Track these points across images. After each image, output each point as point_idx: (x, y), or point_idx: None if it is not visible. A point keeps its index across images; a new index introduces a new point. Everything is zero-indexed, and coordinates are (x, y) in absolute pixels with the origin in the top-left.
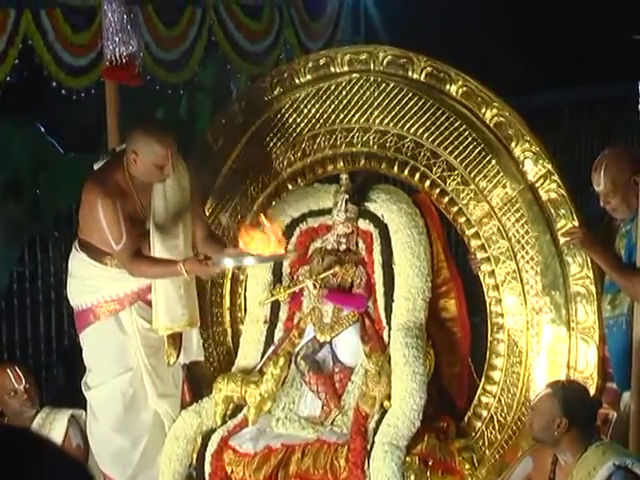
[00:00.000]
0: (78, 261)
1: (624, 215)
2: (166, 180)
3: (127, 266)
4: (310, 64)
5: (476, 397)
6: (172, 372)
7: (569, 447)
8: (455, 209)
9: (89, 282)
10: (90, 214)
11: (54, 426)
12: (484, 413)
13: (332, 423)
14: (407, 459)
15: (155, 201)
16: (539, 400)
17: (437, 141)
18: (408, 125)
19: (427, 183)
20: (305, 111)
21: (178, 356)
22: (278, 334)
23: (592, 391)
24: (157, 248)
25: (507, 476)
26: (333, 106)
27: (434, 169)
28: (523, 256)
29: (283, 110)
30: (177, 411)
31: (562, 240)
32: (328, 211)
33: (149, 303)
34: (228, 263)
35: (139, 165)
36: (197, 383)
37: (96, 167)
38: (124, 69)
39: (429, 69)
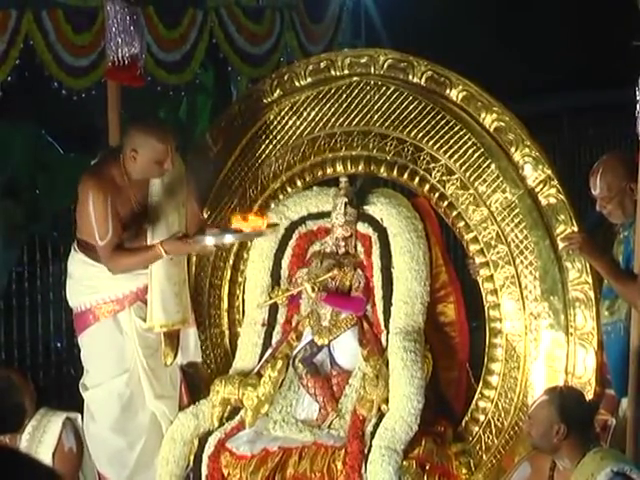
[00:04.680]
0: (77, 262)
1: (620, 220)
2: (163, 177)
3: (108, 262)
4: (310, 67)
5: (474, 401)
6: (170, 373)
7: (568, 453)
8: (454, 213)
9: (88, 283)
10: (82, 208)
11: (48, 429)
12: (481, 418)
13: (329, 426)
14: (404, 463)
15: (152, 198)
16: (536, 408)
17: (437, 145)
18: (408, 129)
19: (426, 187)
20: (305, 114)
21: (175, 357)
22: (276, 337)
23: (590, 397)
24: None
25: None
26: (333, 109)
27: (433, 173)
28: (522, 261)
29: (283, 113)
30: (175, 413)
31: (561, 245)
32: (327, 214)
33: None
34: (209, 241)
35: (138, 162)
36: (195, 385)
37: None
38: (127, 70)
39: (429, 73)
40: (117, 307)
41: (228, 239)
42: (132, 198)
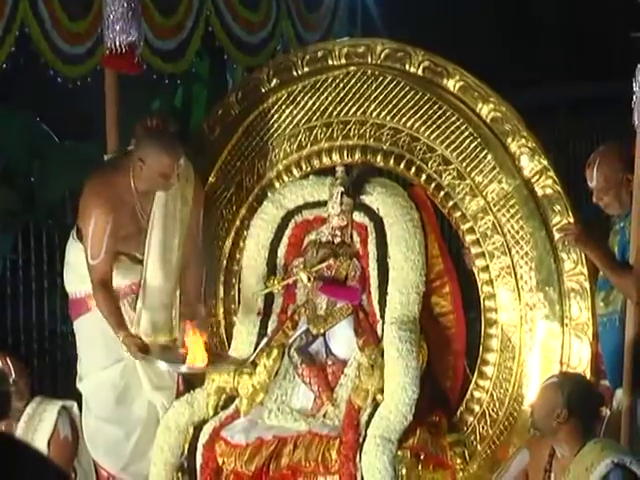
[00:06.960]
0: (74, 250)
1: (616, 211)
2: (170, 190)
3: (92, 285)
4: (307, 56)
5: (469, 392)
6: None
7: (567, 439)
8: (450, 203)
9: (83, 272)
10: (84, 214)
11: (44, 417)
12: (476, 408)
13: (324, 416)
14: (399, 452)
15: (154, 209)
16: (543, 388)
17: (433, 135)
18: (405, 119)
19: (423, 177)
20: (302, 103)
21: None
22: (271, 326)
23: None
24: (152, 256)
25: (504, 470)
26: (330, 98)
27: (430, 163)
28: (518, 251)
29: (280, 102)
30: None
31: (557, 236)
32: (323, 203)
33: None
34: (162, 366)
35: (144, 172)
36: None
37: (106, 159)
38: (124, 57)
39: (426, 63)
40: None
41: (181, 370)
42: (137, 206)
